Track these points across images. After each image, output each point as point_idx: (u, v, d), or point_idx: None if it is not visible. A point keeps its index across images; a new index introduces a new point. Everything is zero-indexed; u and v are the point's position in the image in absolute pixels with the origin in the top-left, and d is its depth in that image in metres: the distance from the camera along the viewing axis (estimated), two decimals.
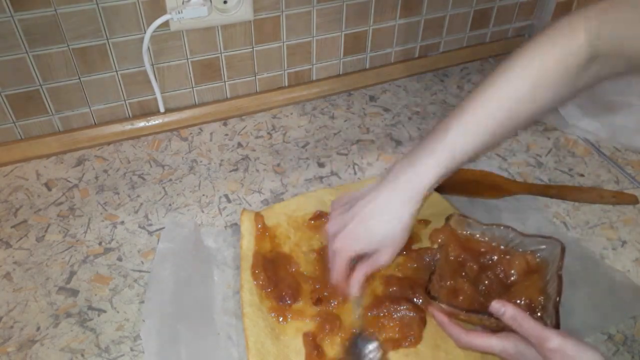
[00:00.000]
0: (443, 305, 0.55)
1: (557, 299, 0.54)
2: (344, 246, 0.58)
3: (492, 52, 1.11)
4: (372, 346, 0.57)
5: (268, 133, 0.90)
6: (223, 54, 0.88)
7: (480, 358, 0.57)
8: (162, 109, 0.89)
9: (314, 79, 0.99)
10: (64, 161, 0.84)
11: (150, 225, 0.73)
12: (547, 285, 0.57)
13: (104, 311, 0.63)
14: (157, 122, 0.89)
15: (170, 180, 0.81)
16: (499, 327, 0.52)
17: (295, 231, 0.70)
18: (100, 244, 0.71)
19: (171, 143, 0.88)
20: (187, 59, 0.86)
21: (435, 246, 0.63)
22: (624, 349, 0.60)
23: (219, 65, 0.89)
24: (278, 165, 0.84)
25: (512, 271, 0.60)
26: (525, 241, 0.61)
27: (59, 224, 0.73)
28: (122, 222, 0.74)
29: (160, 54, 0.84)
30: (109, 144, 0.87)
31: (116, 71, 0.83)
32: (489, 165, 0.84)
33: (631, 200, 0.78)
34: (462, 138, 0.56)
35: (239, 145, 0.88)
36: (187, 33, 0.83)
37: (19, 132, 0.83)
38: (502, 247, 0.62)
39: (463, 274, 0.60)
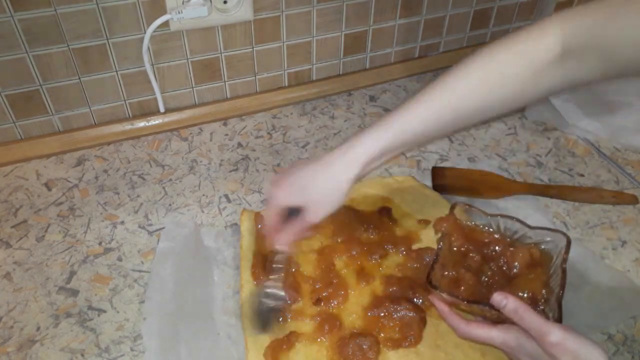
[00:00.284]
0: (444, 295, 0.55)
1: (560, 292, 0.54)
2: (278, 195, 0.60)
3: None
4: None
5: (268, 133, 0.90)
6: (223, 54, 0.88)
7: (479, 358, 0.57)
8: (162, 109, 0.89)
9: (314, 79, 0.99)
10: (64, 161, 0.84)
11: (150, 225, 0.73)
12: (551, 278, 0.57)
13: (104, 311, 0.63)
14: (157, 122, 0.89)
15: (170, 180, 0.81)
16: (499, 319, 0.52)
17: None
18: (100, 244, 0.71)
19: (171, 143, 0.88)
20: (187, 59, 0.86)
21: (439, 235, 0.63)
22: (624, 349, 0.60)
23: (219, 65, 0.89)
24: (278, 165, 0.84)
25: (516, 263, 0.59)
26: (530, 233, 0.61)
27: (59, 224, 0.73)
28: (122, 222, 0.74)
29: (160, 54, 0.84)
30: (109, 144, 0.87)
31: (116, 71, 0.83)
32: (489, 165, 0.84)
33: (631, 200, 0.78)
34: (408, 117, 0.58)
35: (239, 145, 0.88)
36: (187, 33, 0.83)
37: (19, 132, 0.83)
38: (507, 239, 0.62)
39: (466, 264, 0.60)
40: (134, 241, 0.71)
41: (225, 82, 0.92)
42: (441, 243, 0.61)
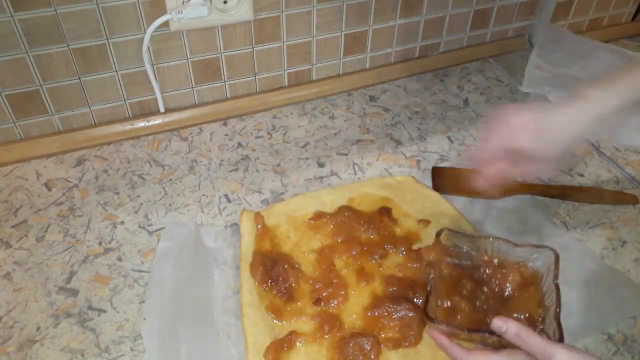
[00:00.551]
0: (443, 326, 0.53)
1: (557, 310, 0.53)
2: (503, 132, 0.56)
3: (492, 52, 1.11)
4: None
5: (268, 133, 0.90)
6: (223, 54, 0.88)
7: None
8: (162, 109, 0.89)
9: (314, 79, 0.99)
10: (64, 161, 0.84)
11: (150, 225, 0.73)
12: (545, 296, 0.56)
13: (104, 311, 0.63)
14: (157, 122, 0.89)
15: (170, 180, 0.81)
16: (500, 345, 0.51)
17: (295, 231, 0.70)
18: (100, 244, 0.71)
19: (171, 143, 0.88)
20: (187, 59, 0.86)
21: (427, 264, 0.61)
22: (624, 349, 0.60)
23: (219, 65, 0.89)
24: (278, 165, 0.84)
25: (507, 284, 0.58)
26: (518, 251, 0.59)
27: (59, 224, 0.73)
28: (122, 222, 0.74)
29: (160, 54, 0.84)
30: (109, 144, 0.87)
31: (116, 71, 0.83)
32: None
33: (631, 200, 0.78)
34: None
35: (239, 145, 0.88)
36: (187, 33, 0.83)
37: (19, 132, 0.83)
38: (494, 260, 0.60)
39: (458, 290, 0.58)
40: (134, 241, 0.71)
41: (225, 82, 0.92)
42: (432, 272, 0.59)
